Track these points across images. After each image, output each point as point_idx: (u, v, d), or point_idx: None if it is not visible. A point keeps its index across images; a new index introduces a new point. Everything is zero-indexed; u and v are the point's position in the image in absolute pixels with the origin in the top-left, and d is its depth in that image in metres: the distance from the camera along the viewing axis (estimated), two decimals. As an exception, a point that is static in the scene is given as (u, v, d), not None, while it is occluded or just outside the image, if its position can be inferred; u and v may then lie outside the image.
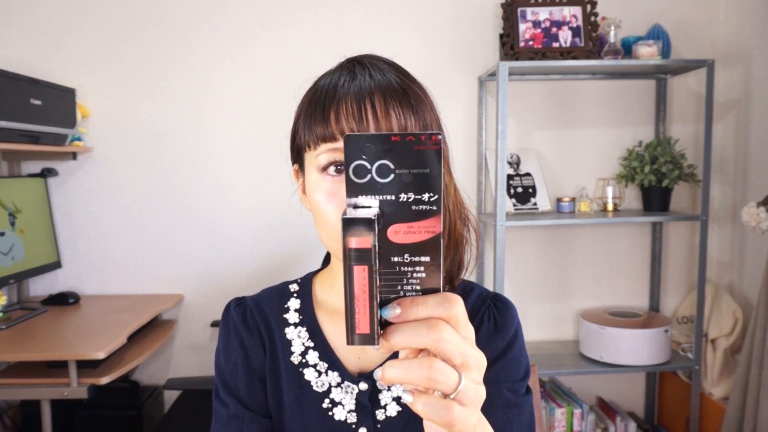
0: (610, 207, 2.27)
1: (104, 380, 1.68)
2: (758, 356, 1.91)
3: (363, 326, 0.42)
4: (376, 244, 0.42)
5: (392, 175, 0.42)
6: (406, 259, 0.43)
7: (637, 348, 2.13)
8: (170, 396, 2.30)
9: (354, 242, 0.41)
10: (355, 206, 0.42)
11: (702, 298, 2.14)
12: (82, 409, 2.05)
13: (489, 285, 2.35)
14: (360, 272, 0.41)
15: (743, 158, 2.29)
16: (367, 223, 0.41)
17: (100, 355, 1.61)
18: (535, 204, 2.27)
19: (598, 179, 2.38)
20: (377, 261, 0.42)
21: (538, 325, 2.45)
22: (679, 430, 2.33)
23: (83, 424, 2.05)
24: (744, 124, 2.29)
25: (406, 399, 0.45)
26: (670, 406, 2.41)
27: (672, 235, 2.45)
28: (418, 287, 0.43)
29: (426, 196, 0.42)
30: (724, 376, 2.21)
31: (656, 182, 2.21)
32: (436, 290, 0.44)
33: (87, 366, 1.70)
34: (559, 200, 2.26)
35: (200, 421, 1.90)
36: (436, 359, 0.43)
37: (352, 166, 0.42)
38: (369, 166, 0.42)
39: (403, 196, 0.42)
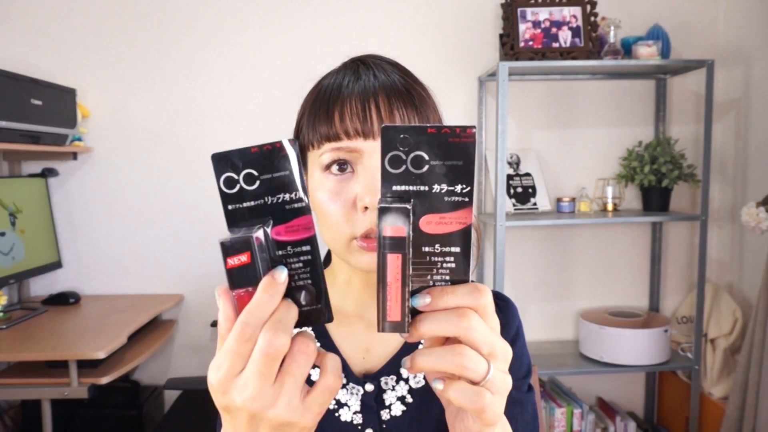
0: (610, 207, 2.27)
1: (104, 380, 1.69)
2: (758, 356, 1.91)
3: (394, 314, 0.43)
4: (411, 233, 0.42)
5: (427, 167, 0.42)
6: (437, 249, 0.43)
7: (636, 348, 2.13)
8: (170, 396, 2.30)
9: (389, 230, 0.42)
10: (390, 196, 0.43)
11: (702, 298, 2.14)
12: (82, 409, 2.05)
13: (489, 285, 2.36)
14: (393, 260, 0.42)
15: (743, 158, 2.30)
16: (403, 212, 0.41)
17: (101, 355, 1.61)
18: (535, 204, 2.27)
19: (598, 179, 2.38)
20: (410, 250, 0.43)
21: (538, 325, 2.45)
22: (679, 430, 2.33)
23: (83, 424, 2.05)
24: (744, 124, 2.29)
25: (436, 387, 0.45)
26: (670, 406, 2.41)
27: (672, 235, 2.45)
28: (448, 277, 0.44)
29: (459, 188, 0.42)
30: (723, 376, 2.21)
31: (656, 182, 2.21)
32: (464, 281, 0.44)
33: (87, 366, 1.70)
34: (559, 200, 2.26)
35: (200, 421, 1.90)
36: (466, 347, 0.44)
37: (388, 156, 0.42)
38: (404, 157, 0.42)
39: (436, 187, 0.43)
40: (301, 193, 0.43)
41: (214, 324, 2.27)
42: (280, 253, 0.44)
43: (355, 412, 0.71)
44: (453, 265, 0.44)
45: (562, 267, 2.44)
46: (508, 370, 0.47)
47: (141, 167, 2.29)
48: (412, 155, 0.42)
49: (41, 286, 2.28)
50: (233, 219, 0.44)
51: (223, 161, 0.44)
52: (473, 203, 0.43)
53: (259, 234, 0.42)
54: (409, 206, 0.42)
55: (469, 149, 0.42)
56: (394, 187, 0.43)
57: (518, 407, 0.72)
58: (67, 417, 2.03)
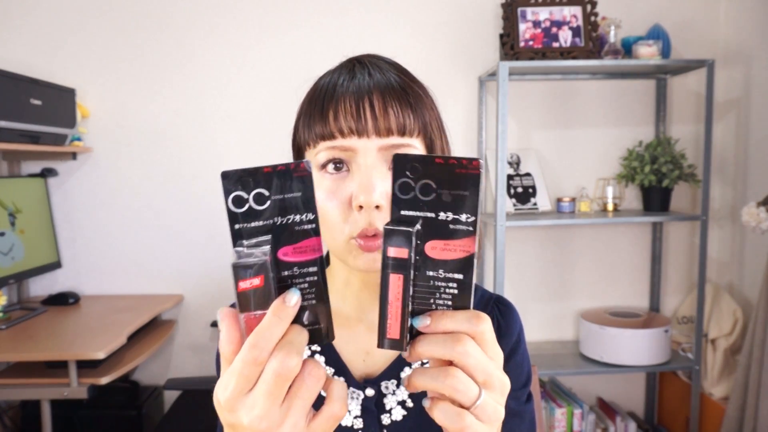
0: (610, 207, 2.27)
1: (104, 380, 1.68)
2: (758, 356, 1.91)
3: (393, 332, 0.44)
4: (413, 256, 0.44)
5: (434, 194, 0.44)
6: (441, 274, 0.45)
7: (637, 348, 2.13)
8: (170, 396, 2.30)
9: (393, 251, 0.43)
10: (398, 220, 0.44)
11: (702, 298, 2.14)
12: (82, 409, 2.05)
13: (489, 285, 2.35)
14: (395, 280, 0.43)
15: (743, 158, 2.29)
16: (406, 235, 0.43)
17: (100, 355, 1.61)
18: (535, 204, 2.27)
19: (598, 179, 2.38)
20: (413, 272, 0.44)
21: (538, 325, 2.45)
22: (679, 430, 2.33)
23: (83, 424, 2.05)
24: (744, 124, 2.29)
25: (425, 404, 0.46)
26: (670, 406, 2.41)
27: (672, 235, 2.45)
28: (450, 303, 0.45)
29: (463, 217, 0.44)
30: (724, 376, 2.21)
31: (656, 182, 2.20)
32: (466, 308, 0.45)
33: (87, 366, 1.70)
34: (559, 200, 2.26)
35: (200, 421, 1.90)
36: (459, 370, 0.44)
37: (398, 182, 0.44)
38: (413, 184, 0.44)
39: (442, 215, 0.44)
40: (312, 215, 0.44)
41: (215, 324, 2.27)
42: (286, 273, 0.44)
43: (355, 417, 0.70)
44: (455, 291, 0.45)
45: (562, 267, 2.44)
46: (504, 400, 0.48)
47: (141, 167, 2.28)
48: (420, 183, 0.44)
49: (41, 286, 2.28)
50: (240, 238, 0.44)
51: (233, 179, 0.43)
52: (477, 233, 0.44)
53: (270, 256, 0.43)
54: (413, 230, 0.43)
55: (475, 181, 0.43)
56: (403, 212, 0.44)
57: (516, 419, 0.71)
58: (66, 417, 2.03)
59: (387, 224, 0.44)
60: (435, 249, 0.44)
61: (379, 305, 0.44)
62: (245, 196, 0.43)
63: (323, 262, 0.45)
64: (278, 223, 0.44)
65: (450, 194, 0.44)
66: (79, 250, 2.29)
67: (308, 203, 0.44)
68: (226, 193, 0.43)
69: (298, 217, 0.44)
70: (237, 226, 0.44)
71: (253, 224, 0.44)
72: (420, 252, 0.44)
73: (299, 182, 0.44)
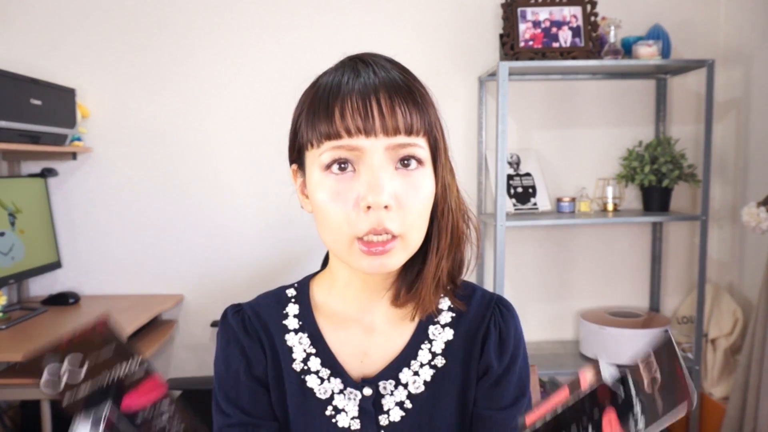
0: (610, 207, 2.27)
1: (104, 380, 1.68)
2: (758, 356, 1.91)
3: (530, 420, 0.48)
4: (584, 399, 0.47)
5: (643, 392, 0.46)
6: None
7: (637, 348, 2.12)
8: (170, 396, 2.29)
9: (586, 376, 0.48)
10: (616, 372, 0.48)
11: (702, 298, 2.14)
12: (82, 409, 2.04)
13: (489, 285, 2.35)
14: (563, 392, 0.48)
15: (743, 158, 2.29)
16: (605, 380, 0.47)
17: (100, 355, 1.60)
18: (535, 204, 2.27)
19: (598, 179, 2.38)
20: (576, 406, 0.47)
21: (538, 325, 2.45)
22: (679, 430, 2.33)
23: (83, 424, 2.05)
24: (744, 124, 2.29)
25: None
26: (670, 406, 2.41)
27: (672, 235, 2.45)
28: None
29: (641, 424, 0.45)
30: (724, 376, 2.21)
31: (656, 182, 2.20)
32: None
33: (87, 366, 1.69)
34: (559, 200, 2.26)
35: (200, 421, 1.89)
36: None
37: (644, 359, 0.47)
38: (645, 368, 0.47)
39: (637, 412, 0.46)
40: (136, 358, 0.44)
41: (214, 324, 2.27)
42: (141, 418, 0.44)
43: (353, 418, 0.70)
44: None
45: (562, 267, 2.44)
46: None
47: (141, 167, 2.28)
48: (646, 375, 0.46)
49: (41, 286, 2.28)
50: (75, 411, 0.43)
51: (42, 362, 0.43)
52: None
53: (110, 415, 0.42)
54: (610, 385, 0.46)
55: (671, 416, 0.45)
56: (625, 377, 0.47)
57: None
58: (66, 417, 2.02)
59: (605, 359, 0.48)
60: (609, 423, 0.46)
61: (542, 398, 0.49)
62: (59, 373, 0.43)
63: (170, 392, 0.45)
64: (108, 381, 0.43)
65: (649, 403, 0.45)
66: (79, 250, 2.29)
67: (125, 351, 0.43)
68: (41, 376, 0.43)
69: (125, 367, 0.44)
70: (67, 403, 0.43)
71: (81, 394, 0.43)
72: (599, 411, 0.46)
73: (108, 336, 0.43)
